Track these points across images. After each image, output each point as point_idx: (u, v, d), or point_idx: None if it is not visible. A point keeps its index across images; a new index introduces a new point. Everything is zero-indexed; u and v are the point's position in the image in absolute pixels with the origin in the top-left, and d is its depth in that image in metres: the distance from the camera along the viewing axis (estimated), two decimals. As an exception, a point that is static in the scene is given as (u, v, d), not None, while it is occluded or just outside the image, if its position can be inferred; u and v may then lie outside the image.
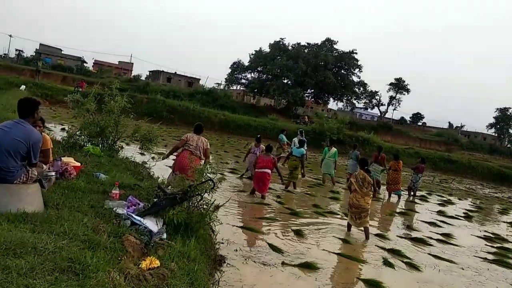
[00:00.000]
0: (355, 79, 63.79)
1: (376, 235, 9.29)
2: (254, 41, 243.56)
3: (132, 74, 70.21)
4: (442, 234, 10.47)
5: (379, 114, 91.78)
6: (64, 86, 38.44)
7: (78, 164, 6.67)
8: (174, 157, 9.06)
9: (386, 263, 7.31)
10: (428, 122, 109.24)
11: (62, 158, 6.48)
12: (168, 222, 5.17)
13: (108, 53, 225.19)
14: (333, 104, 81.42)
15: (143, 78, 67.33)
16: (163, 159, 9.59)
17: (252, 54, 61.49)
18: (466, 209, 15.89)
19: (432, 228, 11.17)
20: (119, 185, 5.88)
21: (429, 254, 8.48)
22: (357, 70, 63.45)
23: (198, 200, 5.57)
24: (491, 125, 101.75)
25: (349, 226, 9.19)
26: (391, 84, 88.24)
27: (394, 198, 15.72)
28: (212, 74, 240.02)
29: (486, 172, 35.68)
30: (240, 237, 7.28)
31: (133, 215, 4.99)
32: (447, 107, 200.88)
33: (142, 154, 11.49)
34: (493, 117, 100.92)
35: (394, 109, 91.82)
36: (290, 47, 61.20)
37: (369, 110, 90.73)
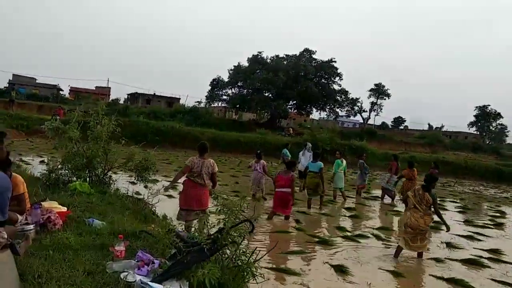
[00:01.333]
0: (336, 87, 63.15)
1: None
2: (232, 57, 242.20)
3: (110, 99, 68.19)
4: (489, 251, 9.15)
5: (361, 121, 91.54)
6: (40, 115, 36.47)
7: (63, 209, 5.17)
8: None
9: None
10: (409, 125, 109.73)
11: (43, 203, 4.97)
12: (196, 285, 3.69)
13: (84, 78, 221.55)
14: (316, 114, 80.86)
15: (121, 101, 65.49)
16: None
17: (231, 70, 60.48)
18: (489, 215, 14.73)
19: (473, 243, 9.87)
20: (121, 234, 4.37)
21: (492, 279, 7.12)
22: (337, 78, 62.94)
23: (233, 249, 4.10)
24: (472, 124, 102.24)
25: (397, 252, 7.97)
26: (371, 90, 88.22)
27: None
28: (192, 93, 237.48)
29: (484, 171, 34.71)
30: (278, 285, 5.77)
31: (150, 283, 3.50)
32: (425, 109, 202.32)
33: (133, 183, 9.75)
34: (473, 116, 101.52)
35: (376, 115, 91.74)
36: (268, 60, 60.44)
37: (351, 117, 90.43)
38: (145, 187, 8.08)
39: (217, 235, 4.03)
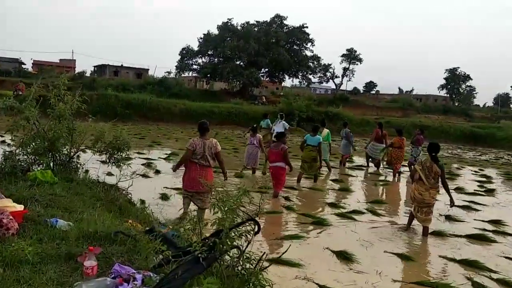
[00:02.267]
0: (308, 53, 62.72)
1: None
2: (201, 24, 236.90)
3: (76, 71, 65.52)
4: (491, 222, 8.65)
5: (333, 87, 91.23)
6: (2, 91, 34.51)
7: (19, 207, 4.23)
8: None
9: (477, 286, 5.30)
10: (381, 90, 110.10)
11: (-8, 203, 4.02)
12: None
13: (48, 51, 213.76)
14: (288, 81, 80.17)
15: (88, 74, 63.11)
16: (174, 171, 7.50)
17: (201, 38, 59.11)
18: (476, 180, 14.40)
19: (471, 214, 9.40)
20: (92, 239, 3.52)
21: (506, 257, 6.55)
22: (309, 44, 62.44)
23: (236, 255, 3.30)
24: (442, 86, 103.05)
25: (410, 221, 7.72)
26: (343, 55, 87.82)
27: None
28: (161, 63, 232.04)
29: (459, 134, 34.70)
30: (279, 280, 4.96)
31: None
32: (395, 73, 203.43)
33: (104, 162, 8.55)
34: (443, 78, 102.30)
35: (349, 80, 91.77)
36: (239, 27, 59.08)
37: (324, 84, 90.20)
38: (118, 167, 7.08)
39: (215, 240, 3.20)
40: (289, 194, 9.95)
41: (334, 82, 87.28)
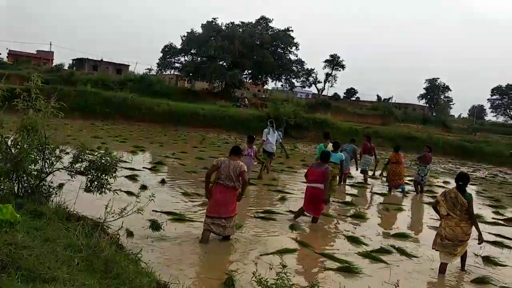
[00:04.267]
0: (292, 57, 62.33)
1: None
2: (184, 23, 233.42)
3: (54, 64, 63.06)
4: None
5: (314, 92, 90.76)
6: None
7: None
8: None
9: None
10: (361, 97, 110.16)
11: None
12: None
13: (25, 41, 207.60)
14: (271, 84, 79.17)
15: (66, 67, 60.74)
16: (207, 198, 7.04)
17: (184, 36, 57.64)
18: (488, 205, 13.33)
19: (507, 253, 8.15)
20: None
21: None
22: (293, 48, 61.87)
23: None
24: (422, 96, 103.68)
25: (443, 269, 6.59)
26: (326, 61, 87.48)
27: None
28: (142, 59, 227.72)
29: (447, 147, 33.84)
30: None
31: None
32: (375, 80, 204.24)
33: (87, 189, 6.74)
34: (424, 88, 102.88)
35: (331, 86, 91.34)
36: (223, 27, 57.93)
37: (306, 88, 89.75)
38: (101, 194, 5.59)
39: None
40: (298, 221, 8.59)
41: (316, 87, 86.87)
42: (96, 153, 5.79)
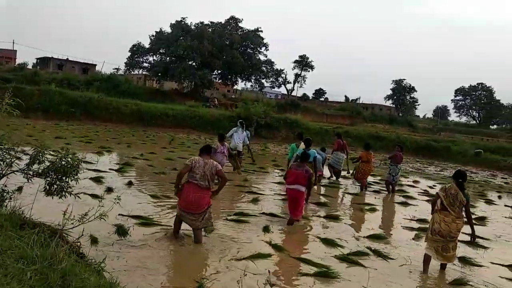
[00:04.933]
0: (262, 57, 62.68)
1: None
2: (153, 22, 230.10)
3: (17, 63, 61.04)
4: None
5: (283, 92, 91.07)
6: None
7: None
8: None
9: None
10: (329, 97, 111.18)
11: None
12: None
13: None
14: (241, 84, 79.09)
15: (30, 66, 58.87)
16: (175, 194, 7.00)
17: (153, 36, 56.98)
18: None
19: (484, 254, 8.13)
20: None
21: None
22: (263, 48, 62.20)
23: None
24: (388, 97, 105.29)
25: (426, 262, 6.65)
26: (295, 61, 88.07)
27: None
28: (109, 59, 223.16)
29: (415, 146, 34.20)
30: None
31: None
32: (343, 81, 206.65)
33: (47, 191, 6.11)
34: (390, 89, 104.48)
35: (300, 87, 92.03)
36: (193, 27, 57.43)
37: (275, 88, 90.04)
38: (61, 198, 5.13)
39: None
40: (270, 223, 8.31)
41: (286, 87, 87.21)
42: (56, 154, 5.34)
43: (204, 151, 6.88)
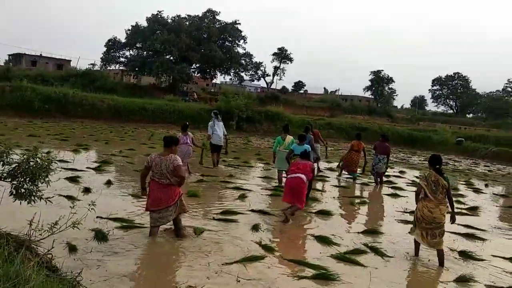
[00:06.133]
0: (240, 50, 62.42)
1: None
2: (128, 16, 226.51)
3: (-12, 59, 59.38)
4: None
5: (263, 85, 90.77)
6: None
7: None
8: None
9: None
10: (308, 90, 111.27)
11: None
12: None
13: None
14: (220, 78, 78.46)
15: (2, 63, 57.24)
16: (142, 194, 6.92)
17: (129, 30, 55.98)
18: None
19: (484, 247, 7.78)
20: None
21: None
22: (242, 41, 61.96)
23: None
24: (367, 88, 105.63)
25: (417, 248, 6.85)
26: (274, 54, 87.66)
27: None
28: (84, 54, 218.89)
29: (397, 137, 34.08)
30: None
31: None
32: (322, 73, 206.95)
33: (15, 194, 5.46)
34: (369, 80, 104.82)
35: (280, 79, 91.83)
36: (169, 20, 56.56)
37: (255, 81, 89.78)
38: (30, 203, 4.57)
39: None
40: (259, 221, 7.84)
41: (265, 80, 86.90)
42: (23, 154, 4.76)
43: (164, 144, 6.59)
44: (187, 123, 12.86)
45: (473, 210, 10.95)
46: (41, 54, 65.89)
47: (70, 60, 66.74)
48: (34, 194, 4.53)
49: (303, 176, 8.13)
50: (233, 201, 9.38)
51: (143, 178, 6.68)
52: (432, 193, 6.45)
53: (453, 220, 6.75)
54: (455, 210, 10.30)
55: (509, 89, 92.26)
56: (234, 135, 27.21)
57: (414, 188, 13.15)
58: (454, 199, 11.92)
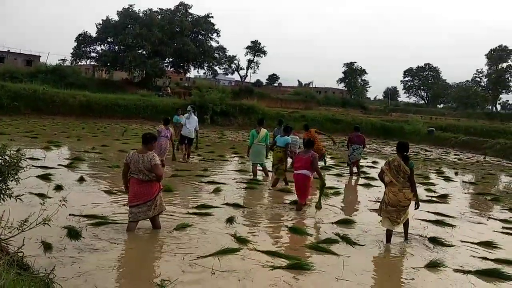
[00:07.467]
0: (213, 44, 62.23)
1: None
2: (99, 9, 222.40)
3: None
4: (482, 245, 7.22)
5: (238, 79, 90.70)
6: None
7: None
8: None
9: None
10: (282, 82, 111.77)
11: None
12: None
13: None
14: (194, 72, 77.86)
15: (-32, 60, 55.73)
16: (126, 192, 6.81)
17: (99, 25, 55.11)
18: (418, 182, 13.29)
19: (453, 233, 7.94)
20: None
21: None
22: (215, 35, 61.78)
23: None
24: (340, 80, 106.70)
25: (389, 236, 6.97)
26: (248, 47, 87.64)
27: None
28: (54, 50, 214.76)
29: (370, 128, 34.53)
30: None
31: None
32: (296, 66, 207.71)
33: None
34: (342, 72, 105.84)
35: (254, 72, 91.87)
36: (141, 14, 55.83)
37: (229, 75, 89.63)
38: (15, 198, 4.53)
39: None
40: (234, 214, 7.88)
41: (239, 74, 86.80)
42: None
43: (143, 142, 6.58)
44: (167, 117, 12.96)
45: (443, 198, 11.20)
46: (9, 50, 64.21)
47: (40, 56, 65.30)
48: (3, 192, 4.47)
49: (305, 172, 8.55)
50: (208, 195, 9.40)
51: (124, 176, 6.68)
52: (394, 178, 6.72)
53: (416, 206, 6.95)
54: (426, 198, 10.84)
55: (478, 79, 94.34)
56: (208, 129, 27.16)
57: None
58: (424, 187, 12.35)
